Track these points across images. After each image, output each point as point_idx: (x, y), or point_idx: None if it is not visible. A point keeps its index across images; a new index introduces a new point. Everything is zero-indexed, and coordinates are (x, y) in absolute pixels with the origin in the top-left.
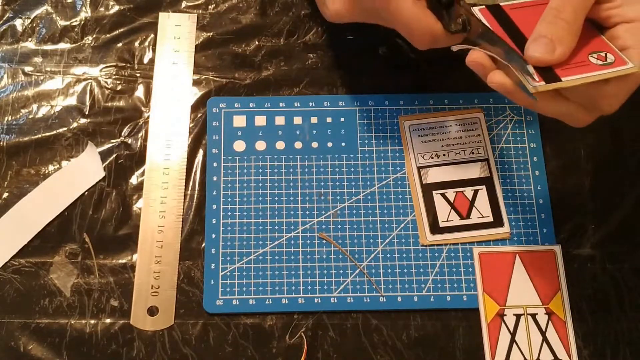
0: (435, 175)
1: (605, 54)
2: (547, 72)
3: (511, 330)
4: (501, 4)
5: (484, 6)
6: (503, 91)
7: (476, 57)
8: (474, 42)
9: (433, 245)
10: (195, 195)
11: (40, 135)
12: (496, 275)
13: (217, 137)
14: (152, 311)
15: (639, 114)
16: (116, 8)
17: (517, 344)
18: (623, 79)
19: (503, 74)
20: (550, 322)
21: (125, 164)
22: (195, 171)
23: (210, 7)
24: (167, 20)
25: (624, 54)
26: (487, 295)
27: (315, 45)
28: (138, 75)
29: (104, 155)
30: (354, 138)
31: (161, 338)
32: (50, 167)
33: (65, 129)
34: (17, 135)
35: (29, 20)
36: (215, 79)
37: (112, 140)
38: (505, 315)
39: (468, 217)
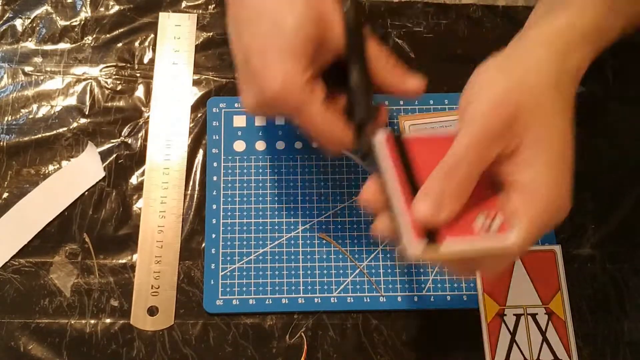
0: None
1: (494, 216)
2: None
3: (511, 330)
4: (408, 134)
5: (387, 134)
6: (387, 237)
7: (367, 196)
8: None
9: None
10: (195, 195)
11: (40, 135)
12: (496, 275)
13: (217, 137)
14: (152, 311)
15: (639, 114)
16: (116, 8)
17: (517, 344)
18: (500, 253)
19: (388, 220)
20: (550, 322)
21: (125, 164)
22: (195, 171)
23: (210, 7)
24: (167, 20)
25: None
26: (487, 295)
27: None
28: (138, 75)
29: (104, 155)
30: None
31: (161, 338)
32: (50, 167)
33: (65, 129)
34: (17, 135)
35: (29, 20)
36: (215, 79)
37: (112, 140)
38: (505, 315)
39: None
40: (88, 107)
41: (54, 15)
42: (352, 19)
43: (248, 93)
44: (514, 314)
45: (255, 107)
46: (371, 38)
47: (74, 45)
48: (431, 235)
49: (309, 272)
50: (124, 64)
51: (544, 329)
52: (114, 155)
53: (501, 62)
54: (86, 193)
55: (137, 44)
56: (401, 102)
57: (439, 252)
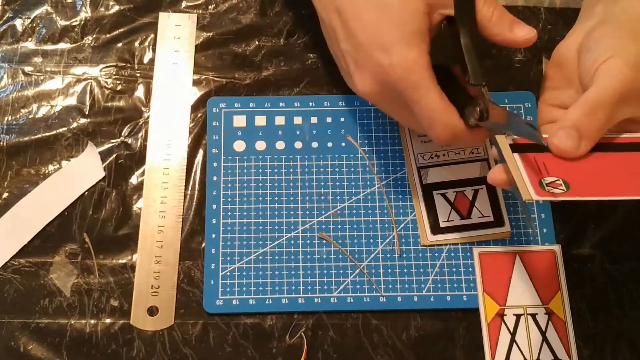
0: (435, 175)
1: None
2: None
3: (511, 330)
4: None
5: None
6: (502, 186)
7: (496, 176)
8: (495, 130)
9: (433, 245)
10: (195, 195)
11: (40, 135)
12: (496, 275)
13: (217, 137)
14: (152, 311)
15: None
16: (116, 8)
17: (517, 344)
18: None
19: (503, 170)
20: (550, 322)
21: (125, 164)
22: (195, 171)
23: (210, 7)
24: (167, 20)
25: None
26: (487, 295)
27: (315, 45)
28: (138, 75)
29: (104, 155)
30: (354, 138)
31: (161, 338)
32: (50, 167)
33: (65, 129)
34: (17, 135)
35: (29, 20)
36: (215, 79)
37: (112, 140)
38: (505, 315)
39: (469, 216)
40: (88, 107)
41: (54, 15)
42: None
43: (364, 76)
44: (513, 314)
45: (374, 88)
46: None
47: (74, 45)
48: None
49: (309, 272)
50: (124, 64)
51: (544, 329)
52: (114, 155)
53: (616, 25)
54: (86, 193)
55: (137, 44)
56: None
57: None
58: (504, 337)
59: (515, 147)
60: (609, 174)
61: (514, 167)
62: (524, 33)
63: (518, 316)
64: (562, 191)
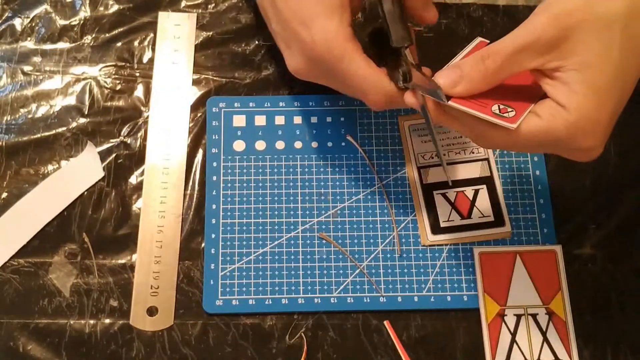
0: (435, 175)
1: (512, 110)
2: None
3: (512, 331)
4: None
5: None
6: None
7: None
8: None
9: (433, 245)
10: (195, 195)
11: (39, 135)
12: (497, 275)
13: (216, 137)
14: (152, 311)
15: (639, 114)
16: (115, 7)
17: (517, 344)
18: (505, 131)
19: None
20: (550, 322)
21: (125, 163)
22: (195, 171)
23: (210, 6)
24: (167, 20)
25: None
26: (488, 295)
27: None
28: (137, 74)
29: (103, 155)
30: (354, 138)
31: (161, 338)
32: (50, 167)
33: (64, 128)
34: (16, 135)
35: (28, 20)
36: (215, 78)
37: (112, 140)
38: (506, 315)
39: (469, 216)
40: (87, 107)
41: (53, 15)
42: None
43: (293, 55)
44: (514, 314)
45: (303, 66)
46: None
47: (73, 44)
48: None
49: (309, 272)
50: (124, 64)
51: (544, 329)
52: (114, 155)
53: None
54: (85, 193)
55: (136, 43)
56: None
57: (447, 104)
58: (505, 338)
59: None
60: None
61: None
62: (434, 13)
63: (518, 316)
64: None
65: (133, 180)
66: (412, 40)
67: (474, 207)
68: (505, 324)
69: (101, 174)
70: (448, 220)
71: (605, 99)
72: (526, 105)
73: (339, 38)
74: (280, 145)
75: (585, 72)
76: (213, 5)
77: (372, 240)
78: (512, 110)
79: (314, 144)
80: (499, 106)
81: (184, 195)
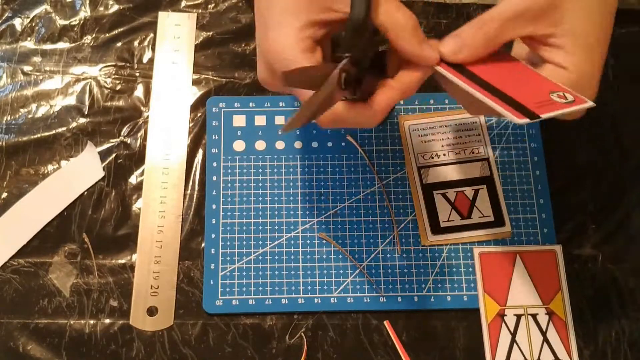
0: (435, 175)
1: (563, 94)
2: (522, 108)
3: (512, 331)
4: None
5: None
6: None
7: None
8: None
9: (433, 245)
10: (195, 195)
11: (39, 135)
12: (497, 275)
13: (216, 137)
14: (152, 311)
15: (639, 114)
16: (115, 7)
17: (517, 344)
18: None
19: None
20: (550, 322)
21: (125, 163)
22: (195, 171)
23: (210, 6)
24: (167, 20)
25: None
26: (488, 295)
27: None
28: (137, 74)
29: (103, 155)
30: (354, 138)
31: (160, 338)
32: (50, 167)
33: (64, 128)
34: (16, 135)
35: (28, 20)
36: (214, 78)
37: (112, 140)
38: (506, 315)
39: (469, 216)
40: (87, 107)
41: (53, 15)
42: None
43: (260, 64)
44: (514, 314)
45: (264, 73)
46: None
47: (73, 44)
48: (530, 113)
49: (309, 272)
50: (124, 64)
51: (544, 329)
52: (114, 155)
53: None
54: (85, 193)
55: (136, 43)
56: (401, 102)
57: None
58: (505, 338)
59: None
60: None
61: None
62: (430, 52)
63: (518, 316)
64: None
65: (133, 180)
66: (358, 53)
67: (474, 207)
68: (505, 324)
69: (101, 174)
70: (448, 220)
71: (595, 56)
72: (559, 87)
73: (294, 47)
74: (280, 145)
75: (576, 36)
76: (213, 5)
77: (372, 240)
78: (564, 93)
79: (314, 144)
80: (554, 95)
81: (184, 195)
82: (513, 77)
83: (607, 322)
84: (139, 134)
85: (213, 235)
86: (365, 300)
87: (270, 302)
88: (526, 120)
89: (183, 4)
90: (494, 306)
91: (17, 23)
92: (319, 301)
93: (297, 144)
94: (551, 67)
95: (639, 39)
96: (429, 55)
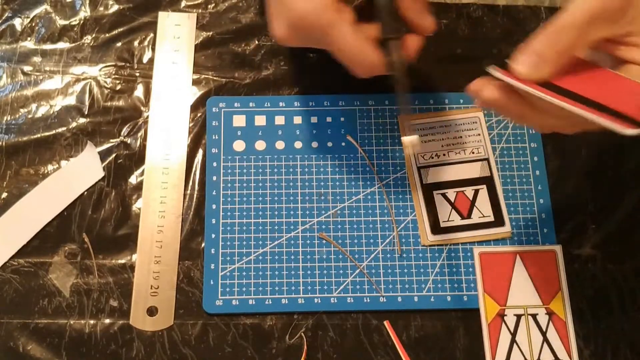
0: (435, 175)
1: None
2: (625, 117)
3: (512, 331)
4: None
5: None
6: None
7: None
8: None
9: (433, 245)
10: (195, 195)
11: (39, 135)
12: (497, 276)
13: (216, 137)
14: (152, 311)
15: None
16: (115, 7)
17: (517, 344)
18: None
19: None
20: (550, 322)
21: (125, 163)
22: (195, 171)
23: (210, 6)
24: (167, 20)
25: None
26: (488, 295)
27: None
28: (137, 74)
29: (103, 155)
30: (354, 138)
31: (160, 338)
32: (50, 167)
33: (64, 128)
34: (16, 135)
35: (28, 20)
36: (214, 78)
37: (112, 140)
38: (506, 315)
39: (469, 216)
40: (87, 107)
41: (53, 15)
42: None
43: (279, 21)
44: (514, 314)
45: (288, 33)
46: None
47: (73, 44)
48: (637, 122)
49: (309, 272)
50: (124, 64)
51: (544, 330)
52: (114, 155)
53: None
54: (85, 193)
55: (136, 43)
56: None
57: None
58: (505, 338)
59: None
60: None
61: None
62: (430, 22)
63: (518, 316)
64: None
65: (133, 180)
66: (401, 33)
67: (474, 207)
68: (505, 324)
69: (101, 174)
70: (448, 220)
71: None
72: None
73: (327, 7)
74: (280, 145)
75: None
76: (213, 5)
77: (372, 240)
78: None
79: (314, 144)
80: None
81: (184, 195)
82: (601, 85)
83: (607, 322)
84: (139, 134)
85: (213, 235)
86: (365, 300)
87: (270, 302)
88: (637, 131)
89: (183, 4)
90: (494, 306)
91: (17, 23)
92: (319, 301)
93: (297, 144)
94: (636, 68)
95: None
96: (428, 24)
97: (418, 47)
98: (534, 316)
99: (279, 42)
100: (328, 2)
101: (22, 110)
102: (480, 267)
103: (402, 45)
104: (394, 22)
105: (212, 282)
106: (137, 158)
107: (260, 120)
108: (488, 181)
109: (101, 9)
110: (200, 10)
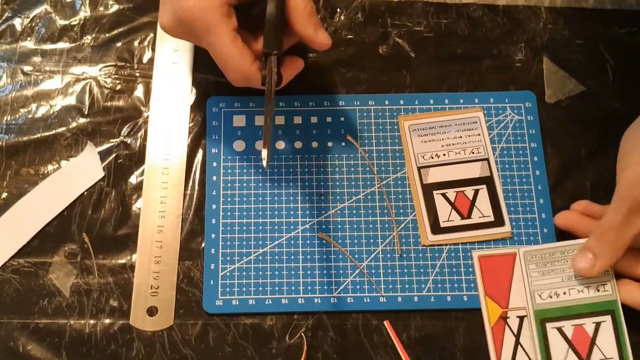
0: (435, 175)
1: None
2: None
3: (515, 333)
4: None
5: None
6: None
7: (563, 219)
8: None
9: (433, 245)
10: (195, 195)
11: (39, 135)
12: (497, 278)
13: (216, 137)
14: (152, 311)
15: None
16: (115, 7)
17: (522, 346)
18: None
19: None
20: None
21: (125, 163)
22: (195, 171)
23: None
24: None
25: None
26: (489, 298)
27: None
28: (137, 74)
29: (103, 155)
30: (354, 138)
31: (160, 338)
32: (50, 167)
33: (64, 128)
34: (16, 135)
35: (28, 20)
36: (215, 78)
37: (112, 140)
38: (509, 317)
39: (469, 216)
40: (87, 107)
41: (53, 15)
42: None
43: (166, 10)
44: (517, 316)
45: (172, 23)
46: None
47: (73, 44)
48: None
49: (309, 272)
50: (124, 64)
51: None
52: (114, 155)
53: None
54: (85, 193)
55: (136, 43)
56: (401, 102)
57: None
58: (509, 340)
59: None
60: None
61: None
62: (324, 37)
63: (521, 318)
64: None
65: (133, 180)
66: (280, 50)
67: (474, 207)
68: (509, 326)
69: (101, 174)
70: (448, 220)
71: None
72: None
73: (215, 8)
74: (280, 145)
75: None
76: None
77: (372, 240)
78: None
79: (314, 144)
80: None
81: (184, 195)
82: None
83: None
84: (139, 134)
85: (213, 235)
86: (365, 300)
87: (270, 302)
88: None
89: None
90: (496, 309)
91: (17, 23)
92: (319, 301)
93: (297, 144)
94: None
95: (639, 39)
96: (322, 39)
97: (295, 70)
98: None
99: (163, 30)
100: (217, 3)
101: (22, 110)
102: (480, 270)
103: (282, 63)
104: (275, 38)
105: (212, 282)
106: (137, 158)
107: (260, 120)
108: (488, 181)
109: (101, 9)
110: None
